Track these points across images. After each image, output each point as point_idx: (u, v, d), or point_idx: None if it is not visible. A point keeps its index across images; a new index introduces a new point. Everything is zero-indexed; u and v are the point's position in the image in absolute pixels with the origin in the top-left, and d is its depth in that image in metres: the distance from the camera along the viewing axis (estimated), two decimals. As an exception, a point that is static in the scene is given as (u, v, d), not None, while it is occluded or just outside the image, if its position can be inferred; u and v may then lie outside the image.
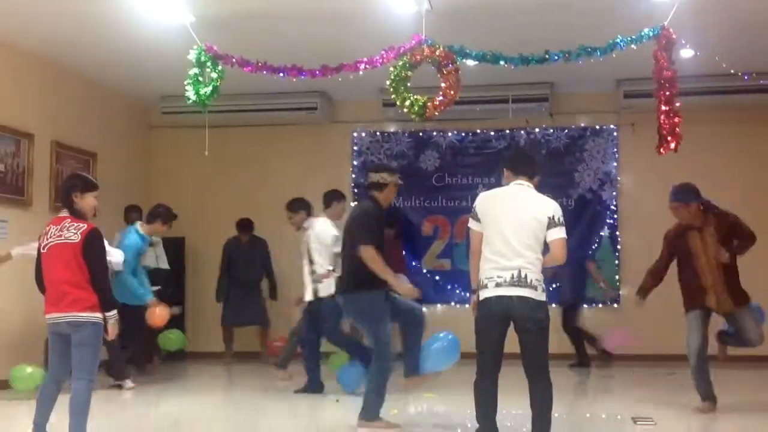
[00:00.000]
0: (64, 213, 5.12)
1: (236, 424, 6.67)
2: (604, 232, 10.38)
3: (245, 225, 10.27)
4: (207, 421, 6.78)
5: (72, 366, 5.00)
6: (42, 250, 5.06)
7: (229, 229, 10.29)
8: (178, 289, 10.54)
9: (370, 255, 5.77)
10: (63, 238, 4.97)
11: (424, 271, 10.65)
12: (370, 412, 5.75)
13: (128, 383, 8.01)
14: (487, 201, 5.01)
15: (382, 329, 5.85)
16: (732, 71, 7.62)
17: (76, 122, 9.50)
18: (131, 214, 9.34)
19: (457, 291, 10.43)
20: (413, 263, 10.55)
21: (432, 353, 6.22)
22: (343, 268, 6.14)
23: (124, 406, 7.42)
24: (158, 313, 8.01)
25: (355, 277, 5.93)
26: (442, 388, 8.03)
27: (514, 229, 4.82)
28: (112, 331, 5.07)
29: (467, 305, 5.30)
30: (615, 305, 10.18)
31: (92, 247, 4.99)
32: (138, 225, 8.41)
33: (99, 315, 4.97)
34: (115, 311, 5.07)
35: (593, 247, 10.25)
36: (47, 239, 5.04)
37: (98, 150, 9.83)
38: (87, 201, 5.16)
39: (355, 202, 10.76)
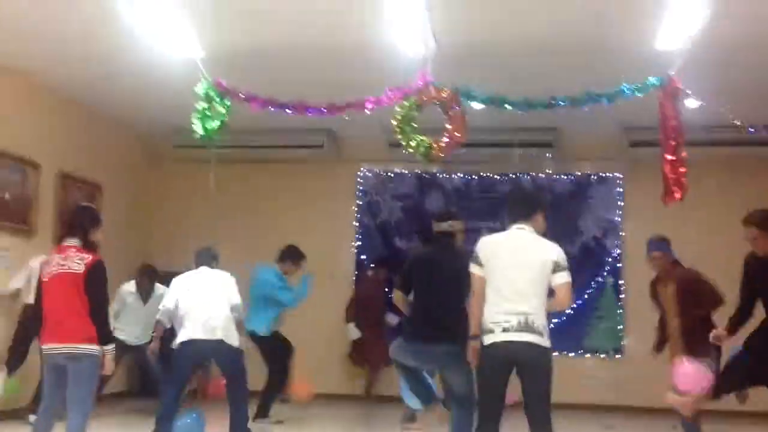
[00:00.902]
0: (72, 242, 5.07)
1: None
2: (608, 281, 10.33)
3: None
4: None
5: (67, 400, 4.94)
6: (44, 279, 5.03)
7: (233, 265, 10.20)
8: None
9: None
10: (67, 267, 4.94)
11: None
12: None
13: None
14: (489, 246, 4.99)
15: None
16: (738, 123, 7.63)
17: (84, 153, 9.53)
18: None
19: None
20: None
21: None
22: (445, 315, 5.75)
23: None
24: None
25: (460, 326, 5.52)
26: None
27: (520, 274, 4.80)
28: (109, 366, 5.02)
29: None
30: (618, 356, 10.09)
31: (96, 278, 4.97)
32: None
33: (97, 347, 4.93)
34: (113, 345, 5.03)
35: (594, 295, 10.19)
36: (50, 268, 5.00)
37: (104, 182, 9.85)
38: (99, 236, 5.17)
39: (359, 243, 10.75)
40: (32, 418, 7.00)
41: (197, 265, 7.16)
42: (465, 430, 5.68)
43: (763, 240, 6.01)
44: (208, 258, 7.30)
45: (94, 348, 4.91)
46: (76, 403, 4.89)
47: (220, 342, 6.72)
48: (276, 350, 8.10)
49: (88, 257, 4.99)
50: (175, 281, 7.05)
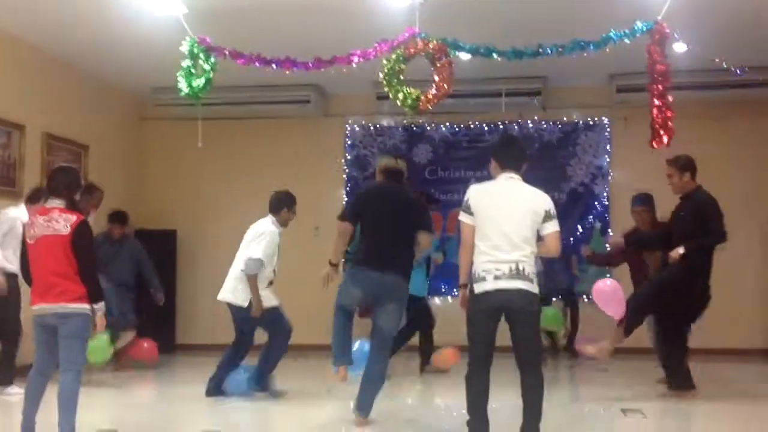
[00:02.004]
0: (54, 204, 5.06)
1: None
2: (596, 226, 10.41)
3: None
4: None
5: (59, 358, 4.97)
6: (29, 241, 5.02)
7: (222, 222, 10.27)
8: (169, 281, 10.51)
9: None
10: (52, 229, 4.94)
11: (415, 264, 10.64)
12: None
13: None
14: (480, 195, 5.01)
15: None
16: (725, 66, 7.63)
17: (68, 114, 9.46)
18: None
19: (450, 284, 10.44)
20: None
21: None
22: (388, 248, 5.80)
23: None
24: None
25: (407, 262, 5.91)
26: (432, 380, 8.06)
27: (512, 223, 4.85)
28: (101, 323, 5.06)
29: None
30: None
31: (82, 238, 4.97)
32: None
33: (87, 306, 4.95)
34: (103, 303, 5.05)
35: (583, 240, 10.26)
36: (34, 230, 5.00)
37: (90, 142, 9.79)
38: (79, 194, 5.19)
39: (348, 196, 10.77)
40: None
41: None
42: (380, 376, 5.79)
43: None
44: (270, 205, 7.07)
45: (84, 307, 4.94)
46: (68, 362, 4.92)
47: (229, 304, 6.82)
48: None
49: (73, 218, 4.99)
50: None
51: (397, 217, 5.85)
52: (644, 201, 7.66)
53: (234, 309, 6.90)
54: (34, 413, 5.12)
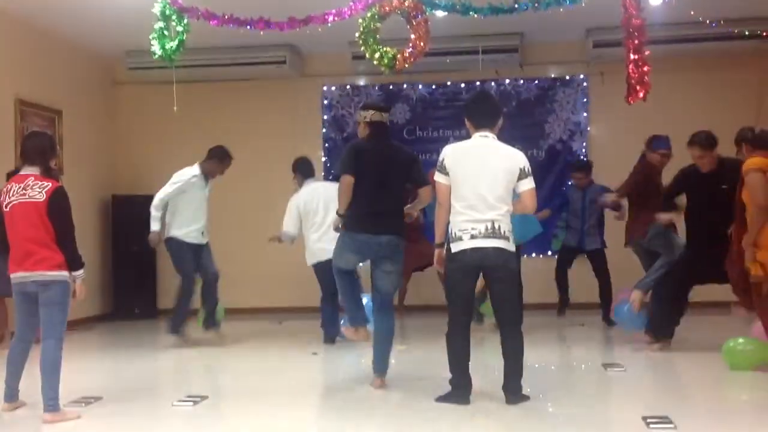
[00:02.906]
0: (29, 171, 5.02)
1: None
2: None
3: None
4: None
5: (41, 326, 4.97)
6: (5, 209, 4.99)
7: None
8: (149, 248, 10.46)
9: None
10: (27, 196, 4.91)
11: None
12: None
13: None
14: (455, 155, 5.02)
15: None
16: (700, 19, 7.63)
17: (41, 79, 9.32)
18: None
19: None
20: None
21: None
22: (382, 209, 5.65)
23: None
24: None
25: (401, 220, 5.79)
26: (413, 340, 8.12)
27: (487, 182, 4.88)
28: (81, 291, 5.04)
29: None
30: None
31: (57, 205, 4.94)
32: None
33: (66, 273, 4.93)
34: (82, 270, 5.03)
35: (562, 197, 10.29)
36: (9, 197, 4.97)
37: (63, 107, 9.67)
38: (55, 161, 5.15)
39: (326, 157, 10.74)
40: None
41: None
42: (389, 334, 5.76)
43: (709, 158, 6.78)
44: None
45: (63, 274, 4.92)
46: (49, 330, 4.92)
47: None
48: None
49: (48, 185, 4.95)
50: None
51: (394, 177, 5.69)
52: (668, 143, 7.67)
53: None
54: (17, 380, 5.15)
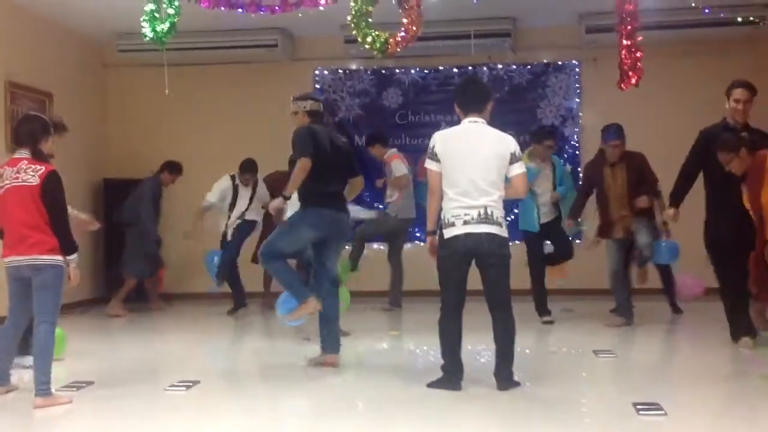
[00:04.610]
0: (22, 154, 5.00)
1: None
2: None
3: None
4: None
5: (34, 309, 4.96)
6: None
7: (191, 170, 10.14)
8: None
9: None
10: (20, 180, 4.89)
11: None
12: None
13: None
14: (445, 141, 5.02)
15: None
16: (693, 5, 7.62)
17: (31, 61, 9.26)
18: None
19: (421, 229, 10.46)
20: (369, 201, 10.51)
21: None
22: (339, 189, 6.05)
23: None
24: None
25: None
26: (406, 325, 8.14)
27: (478, 168, 4.87)
28: (74, 275, 5.03)
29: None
30: (577, 241, 10.29)
31: (51, 189, 4.92)
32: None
33: (60, 258, 4.92)
34: (75, 255, 5.01)
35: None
36: (2, 182, 4.95)
37: (54, 90, 9.61)
38: (50, 144, 5.11)
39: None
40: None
41: None
42: (336, 313, 6.01)
43: (750, 104, 6.37)
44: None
45: (57, 259, 4.91)
46: (42, 314, 4.91)
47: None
48: None
49: (41, 168, 4.92)
50: None
51: (339, 160, 5.98)
52: (619, 134, 7.48)
53: None
54: (9, 364, 5.14)
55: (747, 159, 5.83)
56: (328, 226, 5.86)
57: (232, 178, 9.12)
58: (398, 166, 8.91)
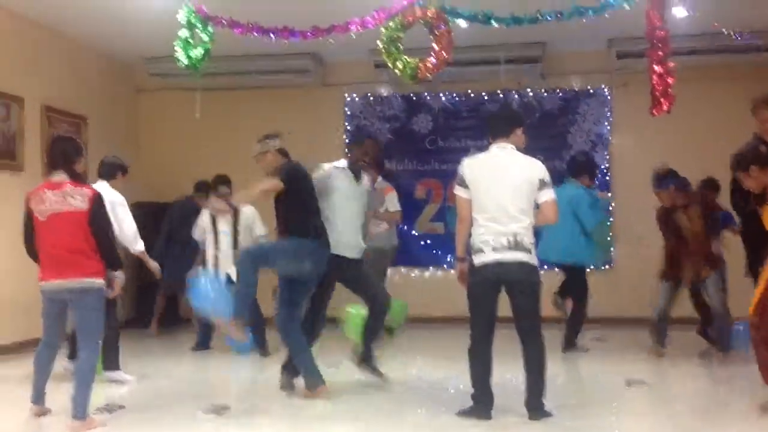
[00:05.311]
0: (60, 177, 5.00)
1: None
2: (607, 195, 10.34)
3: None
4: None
5: (78, 332, 5.03)
6: (39, 218, 4.93)
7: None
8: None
9: None
10: (68, 205, 4.89)
11: (416, 234, 10.67)
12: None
13: None
14: (474, 167, 5.01)
15: None
16: (724, 31, 7.57)
17: (66, 85, 9.42)
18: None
19: (451, 255, 10.44)
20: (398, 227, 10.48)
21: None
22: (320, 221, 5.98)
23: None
24: None
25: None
26: (436, 353, 8.08)
27: (508, 194, 4.85)
28: (117, 288, 5.17)
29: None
30: (607, 267, 10.21)
31: (100, 211, 5.01)
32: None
33: (102, 281, 4.98)
34: (121, 271, 5.15)
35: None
36: (45, 206, 4.92)
37: (88, 113, 9.76)
38: (82, 165, 5.16)
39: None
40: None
41: None
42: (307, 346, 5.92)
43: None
44: None
45: (101, 281, 4.97)
46: (86, 338, 4.96)
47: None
48: None
49: (88, 191, 4.96)
50: None
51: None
52: (653, 183, 7.63)
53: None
54: (44, 384, 5.18)
55: (761, 176, 5.64)
56: (320, 264, 5.81)
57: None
58: (393, 200, 8.56)
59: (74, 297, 4.91)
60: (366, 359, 6.28)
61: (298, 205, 5.81)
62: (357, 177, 6.34)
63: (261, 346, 7.87)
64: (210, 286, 5.75)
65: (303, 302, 6.00)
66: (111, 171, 6.83)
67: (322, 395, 5.76)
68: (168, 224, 9.64)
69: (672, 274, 7.51)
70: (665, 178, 7.50)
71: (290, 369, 6.04)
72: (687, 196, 7.42)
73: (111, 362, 6.46)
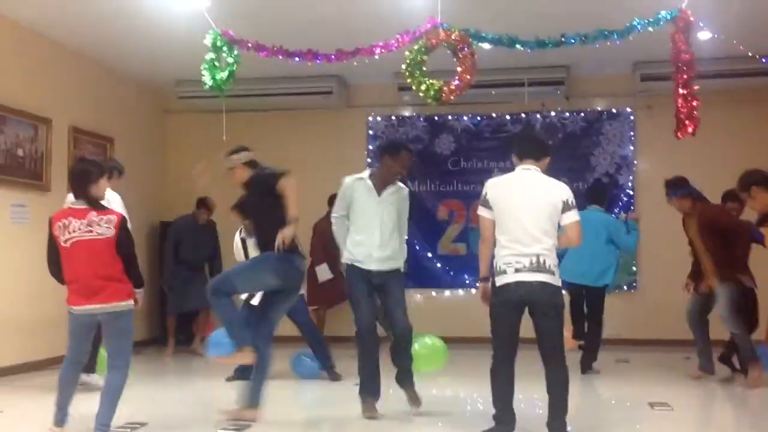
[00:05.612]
0: (83, 205, 5.00)
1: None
2: (620, 217, 10.30)
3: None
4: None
5: (108, 353, 5.07)
6: (63, 244, 4.95)
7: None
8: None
9: None
10: (95, 233, 4.92)
11: (439, 255, 10.68)
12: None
13: None
14: (498, 188, 5.02)
15: None
16: (750, 54, 7.55)
17: (93, 107, 9.55)
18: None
19: (473, 276, 10.43)
20: (420, 248, 10.51)
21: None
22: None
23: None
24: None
25: None
26: (457, 374, 8.06)
27: (531, 215, 4.85)
28: (139, 303, 5.18)
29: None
30: (632, 290, 10.15)
31: (126, 235, 5.06)
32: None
33: (132, 302, 5.03)
34: (143, 288, 5.23)
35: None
36: (69, 233, 4.93)
37: (115, 135, 9.88)
38: (102, 186, 5.17)
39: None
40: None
41: None
42: (267, 369, 5.74)
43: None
44: None
45: (131, 303, 5.02)
46: (117, 357, 5.01)
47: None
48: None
49: (113, 217, 4.98)
50: None
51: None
52: (665, 190, 7.59)
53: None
54: (68, 402, 5.19)
55: (761, 197, 5.61)
56: (291, 277, 5.70)
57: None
58: None
59: (107, 319, 4.95)
60: (399, 380, 6.09)
61: (258, 216, 5.89)
62: (379, 187, 6.05)
63: (328, 369, 7.64)
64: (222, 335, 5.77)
65: (277, 317, 5.86)
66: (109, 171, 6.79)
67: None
68: (173, 245, 9.80)
69: (695, 283, 7.56)
70: (674, 187, 7.50)
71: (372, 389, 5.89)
72: (694, 206, 7.37)
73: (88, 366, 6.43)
